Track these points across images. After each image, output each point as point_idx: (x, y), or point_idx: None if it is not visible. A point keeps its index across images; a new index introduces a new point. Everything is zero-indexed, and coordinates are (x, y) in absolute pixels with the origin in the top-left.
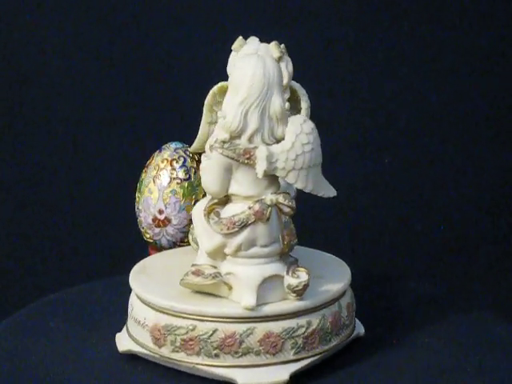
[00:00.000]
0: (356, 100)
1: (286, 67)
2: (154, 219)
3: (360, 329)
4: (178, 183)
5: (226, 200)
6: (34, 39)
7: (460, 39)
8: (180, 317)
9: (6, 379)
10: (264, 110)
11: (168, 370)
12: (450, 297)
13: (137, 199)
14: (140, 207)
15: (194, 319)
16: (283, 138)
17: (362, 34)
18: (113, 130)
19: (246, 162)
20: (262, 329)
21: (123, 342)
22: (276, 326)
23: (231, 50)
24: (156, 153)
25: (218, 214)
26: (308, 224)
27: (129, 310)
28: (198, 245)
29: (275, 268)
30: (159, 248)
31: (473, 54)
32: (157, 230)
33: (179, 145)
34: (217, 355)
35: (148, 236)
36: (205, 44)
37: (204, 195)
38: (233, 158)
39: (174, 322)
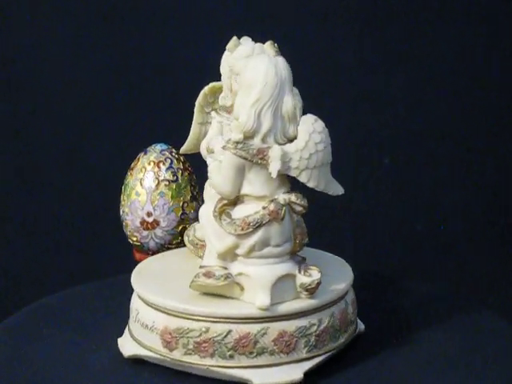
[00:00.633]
0: (356, 100)
1: None
2: (142, 222)
3: (360, 325)
4: (165, 185)
5: (235, 201)
6: (22, 40)
7: (460, 39)
8: (192, 319)
9: None
10: (277, 110)
11: (176, 374)
12: (450, 296)
13: (122, 202)
14: (126, 210)
15: (206, 321)
16: (295, 137)
17: (363, 34)
18: (95, 133)
19: (259, 162)
20: (275, 328)
21: (127, 347)
22: (289, 325)
23: (218, 51)
24: (141, 155)
25: (229, 215)
26: (307, 224)
27: (132, 313)
28: (194, 246)
29: (287, 267)
30: (146, 251)
31: (473, 53)
32: (145, 232)
33: (164, 146)
34: (231, 356)
35: (135, 239)
36: (191, 45)
37: (192, 197)
38: (246, 159)
39: (186, 324)
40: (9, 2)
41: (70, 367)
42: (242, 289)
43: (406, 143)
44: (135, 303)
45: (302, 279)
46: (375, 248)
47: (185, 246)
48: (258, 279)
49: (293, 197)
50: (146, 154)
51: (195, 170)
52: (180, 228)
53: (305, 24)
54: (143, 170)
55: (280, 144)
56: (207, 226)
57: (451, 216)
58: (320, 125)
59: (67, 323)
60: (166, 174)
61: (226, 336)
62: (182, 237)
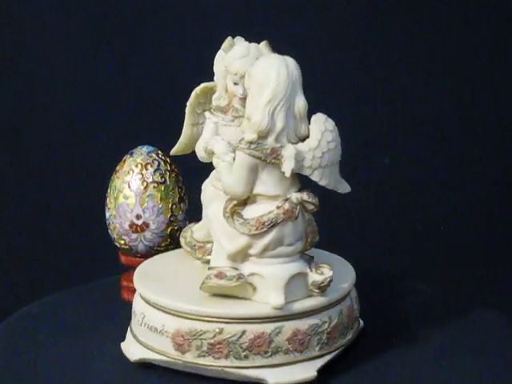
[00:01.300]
0: (356, 100)
1: None
2: (131, 225)
3: (360, 322)
4: (154, 187)
5: (245, 201)
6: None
7: (460, 39)
8: (205, 321)
9: None
10: (289, 109)
11: (186, 376)
12: (450, 296)
13: (109, 205)
14: (114, 213)
15: (220, 322)
16: (306, 136)
17: (364, 34)
18: (77, 136)
19: (272, 161)
20: (289, 327)
21: (133, 351)
22: (302, 324)
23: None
24: (126, 157)
25: (241, 216)
26: None
27: (136, 317)
28: (192, 248)
29: (299, 266)
30: (134, 254)
31: (474, 54)
32: (134, 235)
33: (151, 148)
34: (246, 356)
35: (122, 242)
36: (178, 47)
37: (179, 198)
38: (260, 158)
39: (199, 326)
40: (9, 2)
41: (75, 374)
42: (255, 289)
43: (406, 143)
44: (140, 306)
45: (315, 277)
46: (375, 248)
47: (174, 247)
48: (271, 279)
49: (305, 195)
50: (132, 156)
51: (181, 171)
52: (169, 230)
53: (305, 24)
54: (130, 172)
55: (292, 143)
56: (216, 227)
57: (451, 216)
58: (331, 123)
59: (61, 329)
60: (154, 176)
61: (240, 336)
62: (171, 239)
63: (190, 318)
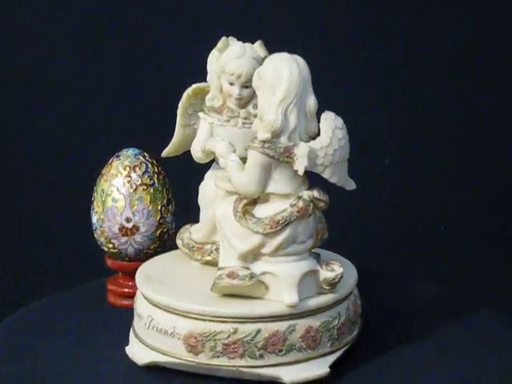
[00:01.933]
0: (356, 100)
1: None
2: (121, 228)
3: None
4: (144, 189)
5: (254, 200)
6: None
7: (460, 39)
8: (219, 321)
9: None
10: (301, 108)
11: (196, 378)
12: (451, 296)
13: (96, 209)
14: (102, 217)
15: (234, 322)
16: (315, 134)
17: (363, 33)
18: (55, 142)
19: (285, 160)
20: (302, 324)
21: (141, 355)
22: (314, 321)
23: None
24: (113, 160)
25: (252, 215)
26: None
27: (142, 320)
28: (190, 249)
29: (310, 263)
30: (123, 257)
31: (474, 54)
32: (123, 239)
33: (137, 151)
34: (261, 355)
35: (111, 246)
36: (162, 48)
37: (167, 200)
38: (273, 157)
39: (212, 327)
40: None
41: (83, 380)
42: (267, 288)
43: (406, 143)
44: (146, 309)
45: (326, 274)
46: (375, 248)
47: (162, 250)
48: (284, 277)
49: (315, 193)
50: (118, 158)
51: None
52: (158, 232)
53: (304, 23)
54: (119, 175)
55: (303, 141)
56: (225, 228)
57: (451, 216)
58: (340, 121)
59: (55, 335)
60: (143, 179)
61: (255, 336)
62: (160, 241)
63: (203, 319)
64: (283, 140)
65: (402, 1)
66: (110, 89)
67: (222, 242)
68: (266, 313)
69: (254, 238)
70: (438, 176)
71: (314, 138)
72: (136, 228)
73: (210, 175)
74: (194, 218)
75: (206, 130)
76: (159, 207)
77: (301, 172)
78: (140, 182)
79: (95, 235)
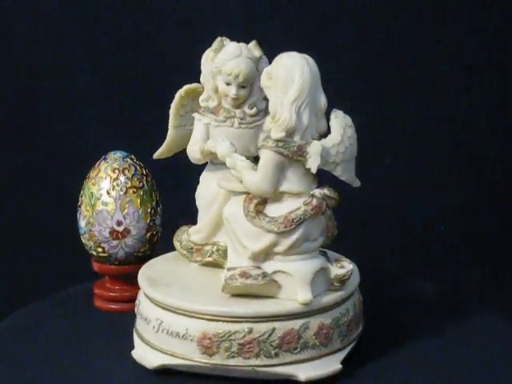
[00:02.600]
0: (356, 100)
1: (266, 66)
2: (112, 232)
3: None
4: (134, 192)
5: (265, 199)
6: None
7: (460, 40)
8: (234, 321)
9: None
10: (312, 106)
11: (207, 379)
12: (450, 296)
13: (84, 213)
14: (92, 221)
15: (249, 321)
16: (325, 132)
17: (363, 32)
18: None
19: (298, 158)
20: (315, 322)
21: (151, 359)
22: (326, 318)
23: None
24: (100, 163)
25: (265, 214)
26: None
27: (151, 324)
28: (189, 251)
29: (321, 261)
30: (112, 261)
31: (474, 54)
32: (114, 242)
33: (124, 153)
34: (276, 354)
35: (100, 250)
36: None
37: (156, 203)
38: (287, 156)
39: (227, 327)
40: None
41: None
42: (279, 286)
43: (406, 143)
44: (154, 313)
45: (337, 271)
46: (374, 248)
47: (151, 253)
48: (298, 275)
49: (326, 190)
50: (106, 161)
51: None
52: (148, 235)
53: (304, 23)
54: (108, 178)
55: (314, 140)
56: (235, 228)
57: (451, 216)
58: (349, 119)
59: (51, 340)
60: (132, 181)
61: (270, 334)
62: (150, 244)
63: (217, 320)
64: (296, 139)
65: (402, 1)
66: (92, 92)
67: (232, 242)
68: (280, 311)
69: (267, 238)
70: (437, 176)
71: (323, 137)
72: (127, 231)
73: (206, 176)
74: (191, 220)
75: (202, 130)
76: (149, 209)
77: (314, 170)
78: (130, 184)
79: (83, 239)
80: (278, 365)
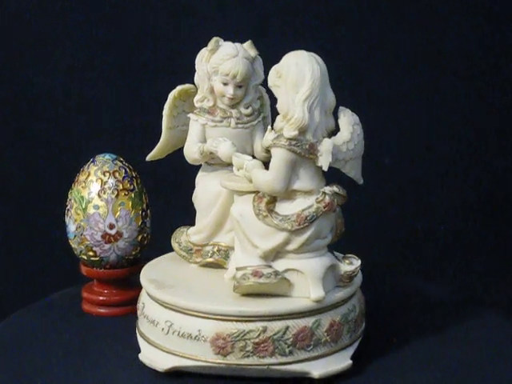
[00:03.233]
0: (356, 100)
1: (260, 66)
2: (104, 235)
3: None
4: (125, 194)
5: (274, 198)
6: None
7: (460, 40)
8: (248, 321)
9: None
10: (323, 104)
11: (217, 380)
12: (450, 296)
13: (74, 217)
14: (83, 225)
15: (263, 320)
16: (333, 130)
17: (363, 31)
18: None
19: (310, 156)
20: (326, 319)
21: (161, 361)
22: (336, 314)
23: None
24: (89, 166)
25: (276, 213)
26: None
27: (160, 327)
28: (188, 252)
29: (331, 258)
30: (103, 265)
31: (474, 54)
32: (106, 246)
33: (113, 156)
34: (291, 352)
35: (91, 254)
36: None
37: (146, 205)
38: (300, 154)
39: (241, 327)
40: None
41: None
42: (290, 284)
43: (406, 143)
44: (163, 315)
45: (346, 267)
46: (375, 247)
47: (140, 256)
48: (309, 272)
49: (335, 188)
50: (95, 164)
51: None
52: (139, 238)
53: (304, 22)
54: (99, 181)
55: (324, 137)
56: (245, 227)
57: (451, 216)
58: (356, 117)
59: (47, 348)
60: (123, 184)
61: (284, 332)
62: (140, 247)
63: (231, 320)
64: (308, 137)
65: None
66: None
67: (240, 242)
68: (293, 309)
69: (279, 236)
70: (437, 176)
71: (331, 135)
72: (119, 234)
73: (203, 177)
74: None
75: (199, 131)
76: (140, 212)
77: (325, 168)
78: (121, 187)
79: (72, 244)
80: (292, 362)
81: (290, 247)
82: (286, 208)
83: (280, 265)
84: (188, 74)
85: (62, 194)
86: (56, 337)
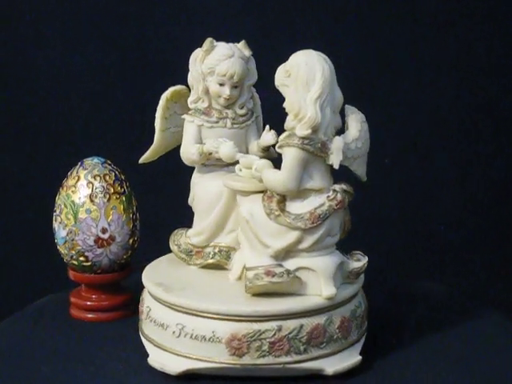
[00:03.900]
0: (356, 100)
1: (254, 65)
2: (97, 239)
3: None
4: (116, 198)
5: (284, 197)
6: None
7: (459, 40)
8: (263, 320)
9: None
10: (332, 103)
11: (232, 381)
12: (450, 296)
13: (65, 223)
14: (75, 230)
15: (277, 320)
16: (340, 128)
17: (364, 31)
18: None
19: (321, 155)
20: (337, 316)
21: (174, 365)
22: (346, 311)
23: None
24: (78, 170)
25: (288, 212)
26: None
27: (170, 330)
28: (188, 254)
29: (340, 255)
30: (95, 270)
31: (473, 54)
32: (99, 250)
33: (102, 159)
34: (305, 350)
35: (83, 259)
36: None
37: (136, 208)
38: (312, 153)
39: (256, 327)
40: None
41: None
42: (302, 283)
43: (407, 143)
44: (174, 318)
45: (354, 264)
46: (374, 248)
47: (131, 259)
48: (321, 270)
49: (343, 185)
50: (84, 168)
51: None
52: (131, 241)
53: (304, 22)
54: (90, 185)
55: (333, 136)
56: (255, 227)
57: (451, 216)
58: (362, 115)
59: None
60: (114, 187)
61: (299, 331)
62: (131, 250)
63: (246, 320)
64: (320, 135)
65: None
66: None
67: (250, 242)
68: (306, 307)
69: (291, 235)
70: (437, 176)
71: (338, 133)
72: (112, 238)
73: (200, 179)
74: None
75: (195, 132)
76: (131, 215)
77: (336, 166)
78: (112, 190)
79: (62, 250)
80: (307, 360)
81: (302, 246)
82: (297, 207)
83: (291, 263)
84: (179, 76)
85: (49, 198)
86: (53, 344)
